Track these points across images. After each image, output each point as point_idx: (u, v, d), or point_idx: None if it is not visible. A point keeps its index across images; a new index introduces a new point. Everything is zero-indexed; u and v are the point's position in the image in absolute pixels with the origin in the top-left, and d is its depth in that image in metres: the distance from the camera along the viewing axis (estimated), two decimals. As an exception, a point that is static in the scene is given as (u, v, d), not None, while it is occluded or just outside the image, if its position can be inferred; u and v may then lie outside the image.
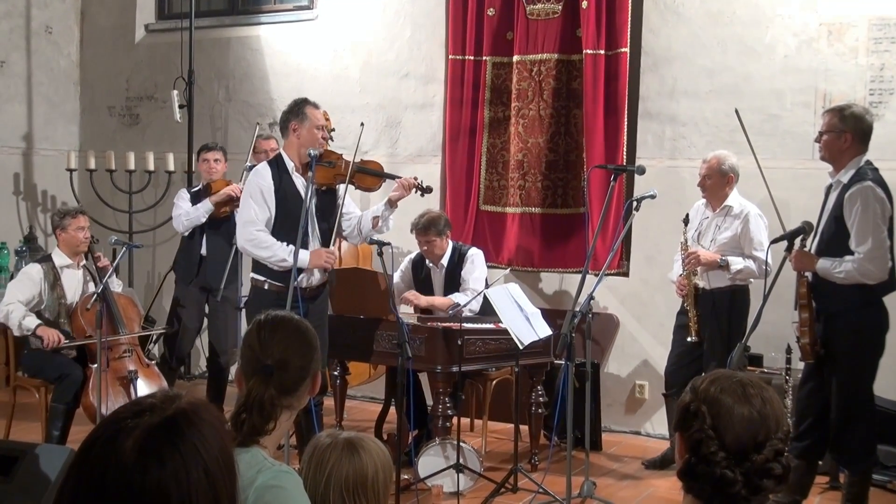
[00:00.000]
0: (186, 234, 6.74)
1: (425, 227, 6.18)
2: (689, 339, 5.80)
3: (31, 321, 5.76)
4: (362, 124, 5.78)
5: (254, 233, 5.20)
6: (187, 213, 6.67)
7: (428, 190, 5.57)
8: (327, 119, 6.12)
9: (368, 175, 5.49)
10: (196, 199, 6.76)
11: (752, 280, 5.80)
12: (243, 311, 6.21)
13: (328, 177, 5.38)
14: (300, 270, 5.09)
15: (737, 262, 5.67)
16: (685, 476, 1.91)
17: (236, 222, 5.60)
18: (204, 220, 6.62)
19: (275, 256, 5.16)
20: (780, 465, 1.86)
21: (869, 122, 4.86)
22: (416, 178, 5.47)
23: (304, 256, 5.14)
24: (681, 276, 5.86)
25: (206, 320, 7.03)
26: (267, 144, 7.03)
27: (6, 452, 4.03)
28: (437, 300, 6.18)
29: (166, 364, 6.74)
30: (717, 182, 5.79)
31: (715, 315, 5.76)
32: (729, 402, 1.87)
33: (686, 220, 5.88)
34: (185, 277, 6.82)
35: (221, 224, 6.71)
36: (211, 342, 6.88)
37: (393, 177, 5.55)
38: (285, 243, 5.14)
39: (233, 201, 6.61)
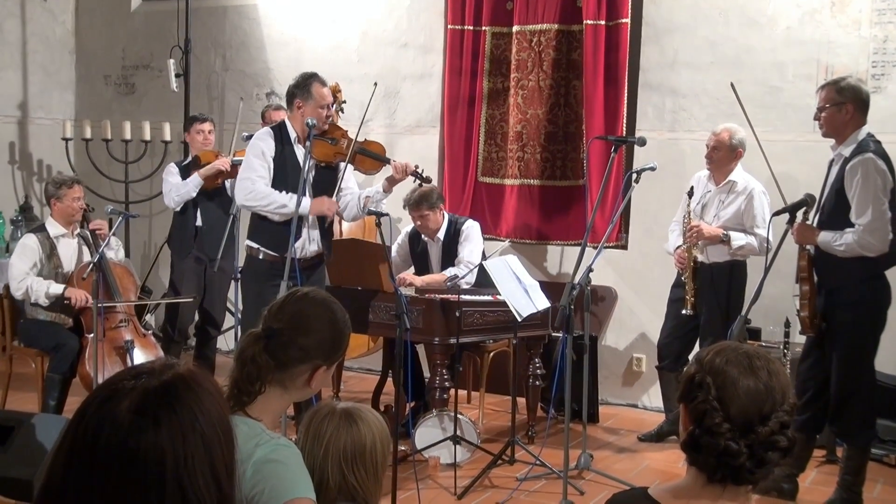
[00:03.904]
0: (178, 209, 6.68)
1: (417, 202, 6.13)
2: (684, 311, 5.81)
3: (56, 287, 5.78)
4: (376, 84, 5.70)
5: (251, 186, 5.22)
6: (176, 187, 6.59)
7: (427, 180, 5.56)
8: (338, 91, 6.07)
9: (369, 158, 5.45)
10: (185, 172, 6.69)
11: (751, 255, 5.80)
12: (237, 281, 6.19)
13: (329, 154, 5.35)
14: (297, 235, 5.06)
15: (738, 238, 5.66)
16: (689, 448, 1.88)
17: (237, 181, 5.57)
18: (194, 194, 6.56)
19: (274, 203, 5.17)
20: (786, 438, 1.84)
21: (866, 92, 4.84)
22: (416, 166, 5.43)
23: (306, 203, 5.13)
24: (680, 248, 5.85)
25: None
26: (277, 115, 6.98)
27: (2, 422, 4.04)
28: (433, 278, 6.13)
29: (168, 337, 6.71)
30: (725, 155, 5.76)
31: (713, 289, 5.76)
32: (734, 373, 1.85)
33: (690, 193, 5.84)
34: (181, 250, 6.76)
35: (215, 194, 6.67)
36: (202, 312, 6.86)
37: (392, 161, 5.49)
38: (284, 191, 5.13)
39: (222, 175, 6.57)
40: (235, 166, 6.56)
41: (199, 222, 6.68)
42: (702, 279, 5.79)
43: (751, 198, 5.71)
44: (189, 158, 6.83)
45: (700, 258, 5.80)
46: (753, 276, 5.80)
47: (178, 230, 6.77)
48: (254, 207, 5.30)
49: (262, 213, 5.29)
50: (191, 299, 6.56)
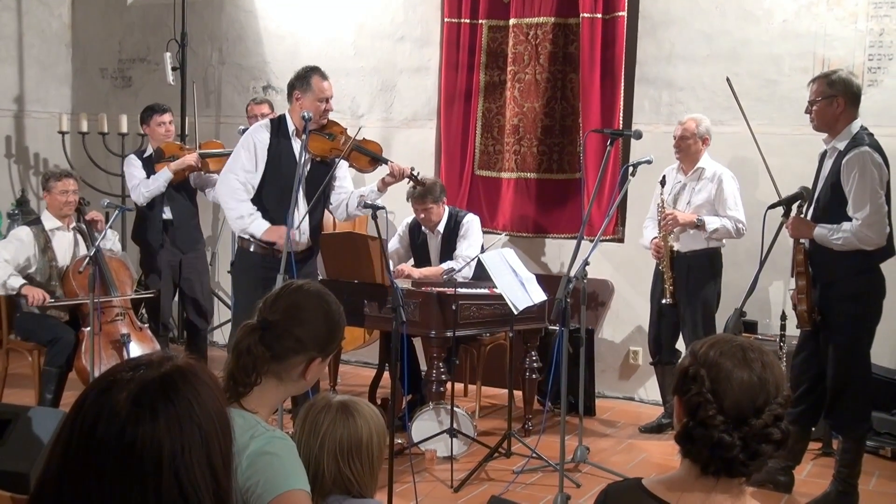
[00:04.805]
0: (145, 204, 6.64)
1: (422, 195, 6.12)
2: (664, 301, 5.91)
3: (16, 280, 5.70)
4: (360, 128, 5.71)
5: (234, 183, 5.26)
6: (146, 184, 6.55)
7: (422, 183, 5.60)
8: None
9: (364, 156, 5.46)
10: (147, 164, 6.65)
11: (724, 242, 5.92)
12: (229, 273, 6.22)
13: (325, 149, 5.36)
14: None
15: (713, 222, 5.79)
16: (683, 440, 1.89)
17: (223, 170, 5.59)
18: (164, 189, 6.55)
19: (236, 211, 5.26)
20: (779, 430, 1.84)
21: (857, 85, 4.83)
22: (412, 168, 5.44)
23: (262, 225, 5.17)
24: (656, 238, 5.93)
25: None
26: (259, 109, 7.02)
27: (-1, 415, 4.03)
28: (430, 271, 6.13)
29: (154, 332, 6.71)
30: (693, 143, 5.91)
31: (689, 278, 5.88)
32: (728, 365, 1.85)
33: (663, 182, 5.95)
34: (152, 245, 6.74)
35: (181, 187, 6.68)
36: (187, 305, 6.86)
37: (388, 162, 5.50)
38: (258, 210, 5.23)
39: (191, 168, 6.55)
40: (204, 159, 6.57)
41: (167, 216, 6.67)
42: (679, 268, 5.87)
43: (720, 182, 5.84)
44: (149, 150, 6.78)
45: (676, 247, 5.88)
46: (728, 265, 5.95)
47: (148, 224, 6.73)
48: (223, 203, 5.39)
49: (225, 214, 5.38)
50: (150, 294, 6.51)
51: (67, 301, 5.81)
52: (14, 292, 5.71)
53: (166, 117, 6.77)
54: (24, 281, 5.73)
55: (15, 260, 5.77)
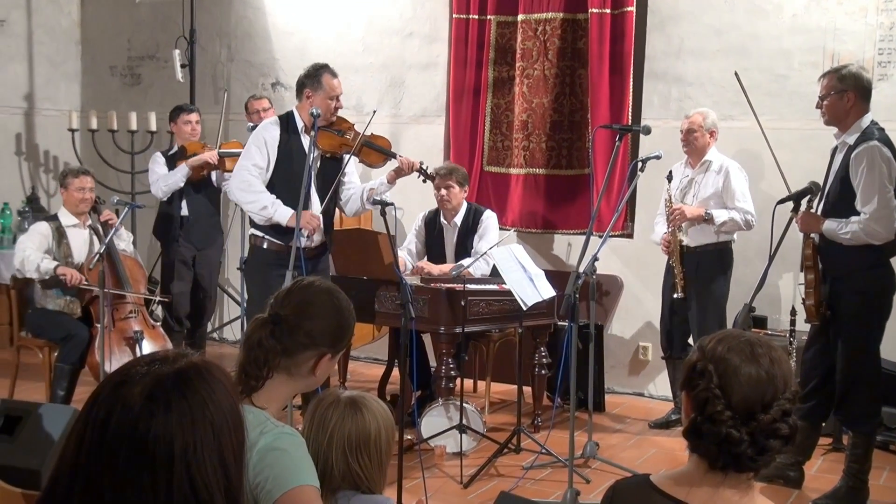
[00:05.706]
0: (165, 199, 6.73)
1: (448, 172, 6.14)
2: (675, 295, 5.90)
3: (49, 263, 5.78)
4: (374, 111, 5.72)
5: (247, 177, 5.24)
6: (164, 178, 6.68)
7: (431, 178, 5.60)
8: None
9: (374, 151, 5.48)
10: (171, 162, 6.76)
11: (734, 237, 5.91)
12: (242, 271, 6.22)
13: (335, 145, 5.37)
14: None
15: (721, 215, 5.78)
16: (691, 435, 1.89)
17: (235, 167, 5.61)
18: (182, 184, 6.63)
19: (257, 203, 5.21)
20: (787, 426, 1.84)
21: (868, 79, 4.82)
22: (421, 162, 5.44)
23: (286, 213, 5.15)
24: (665, 233, 5.92)
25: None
26: (259, 104, 7.07)
27: (10, 412, 4.04)
28: (449, 268, 6.10)
29: (169, 328, 6.75)
30: (701, 136, 5.89)
31: (698, 272, 5.87)
32: (736, 361, 1.85)
33: (669, 178, 5.94)
34: (168, 240, 6.84)
35: (201, 185, 6.75)
36: (192, 299, 6.90)
37: (398, 156, 5.52)
38: (279, 200, 5.17)
39: (209, 166, 6.62)
40: (223, 158, 6.62)
41: (184, 212, 6.74)
42: (689, 264, 5.87)
43: (727, 174, 5.83)
44: (175, 148, 6.88)
45: (685, 242, 5.87)
46: (739, 260, 5.94)
47: (165, 220, 6.83)
48: (240, 199, 5.35)
49: (245, 209, 5.35)
50: (166, 299, 6.53)
51: (87, 286, 5.84)
52: (49, 275, 5.77)
53: (193, 117, 6.91)
54: (56, 262, 5.80)
55: (38, 251, 5.84)
